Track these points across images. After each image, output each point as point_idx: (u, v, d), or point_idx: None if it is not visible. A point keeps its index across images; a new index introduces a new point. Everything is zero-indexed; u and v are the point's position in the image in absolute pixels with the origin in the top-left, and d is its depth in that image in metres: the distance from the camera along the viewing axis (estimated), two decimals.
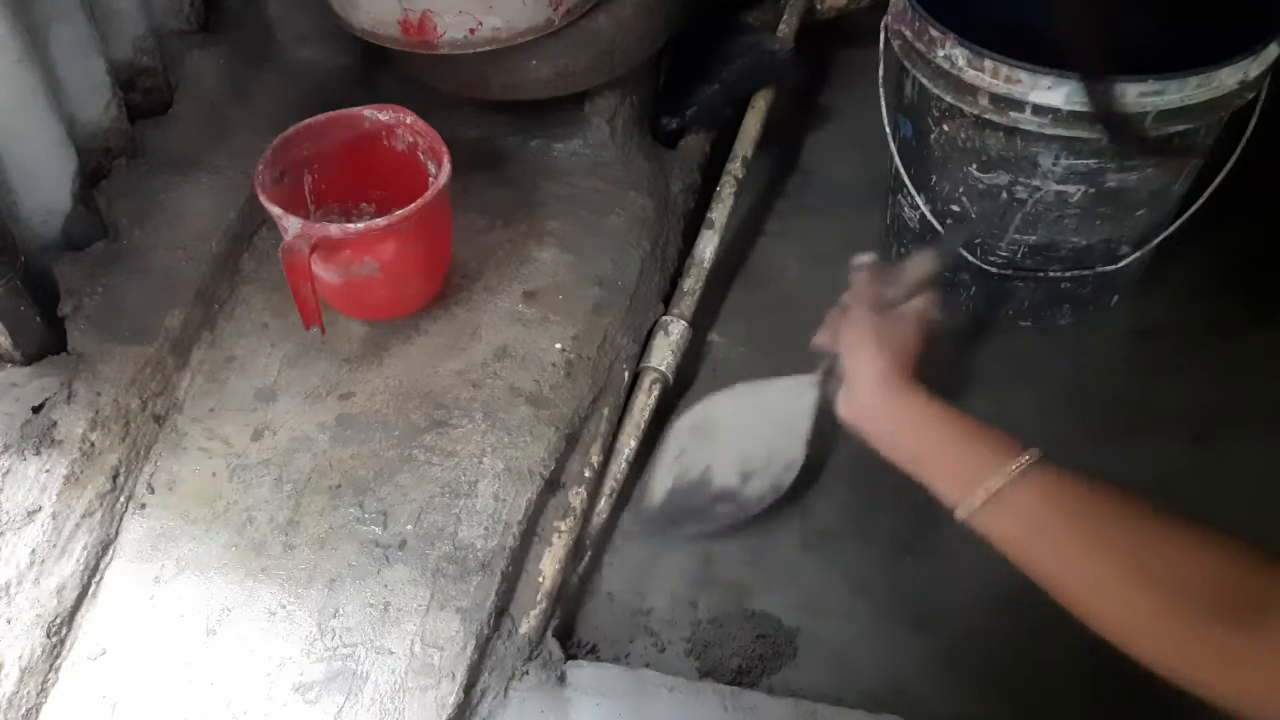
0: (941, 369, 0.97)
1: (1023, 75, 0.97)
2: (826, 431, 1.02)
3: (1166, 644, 0.65)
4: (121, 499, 0.97)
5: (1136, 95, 0.95)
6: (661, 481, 1.05)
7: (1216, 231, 1.15)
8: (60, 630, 0.89)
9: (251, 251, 1.18)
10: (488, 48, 1.14)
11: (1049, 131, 1.00)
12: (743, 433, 1.05)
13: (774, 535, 1.05)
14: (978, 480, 0.75)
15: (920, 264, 0.99)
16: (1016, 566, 0.73)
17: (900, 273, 0.99)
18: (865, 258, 0.99)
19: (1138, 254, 1.14)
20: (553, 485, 1.01)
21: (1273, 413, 1.12)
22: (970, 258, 1.16)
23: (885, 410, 0.86)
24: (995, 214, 1.12)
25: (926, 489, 0.80)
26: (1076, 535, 0.71)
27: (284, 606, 0.91)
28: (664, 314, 1.17)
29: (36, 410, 0.97)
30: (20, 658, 0.86)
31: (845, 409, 0.89)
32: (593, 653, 0.97)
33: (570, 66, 1.21)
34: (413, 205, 0.99)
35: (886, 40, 1.14)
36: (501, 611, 0.93)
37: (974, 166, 1.09)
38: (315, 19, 1.29)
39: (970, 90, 1.02)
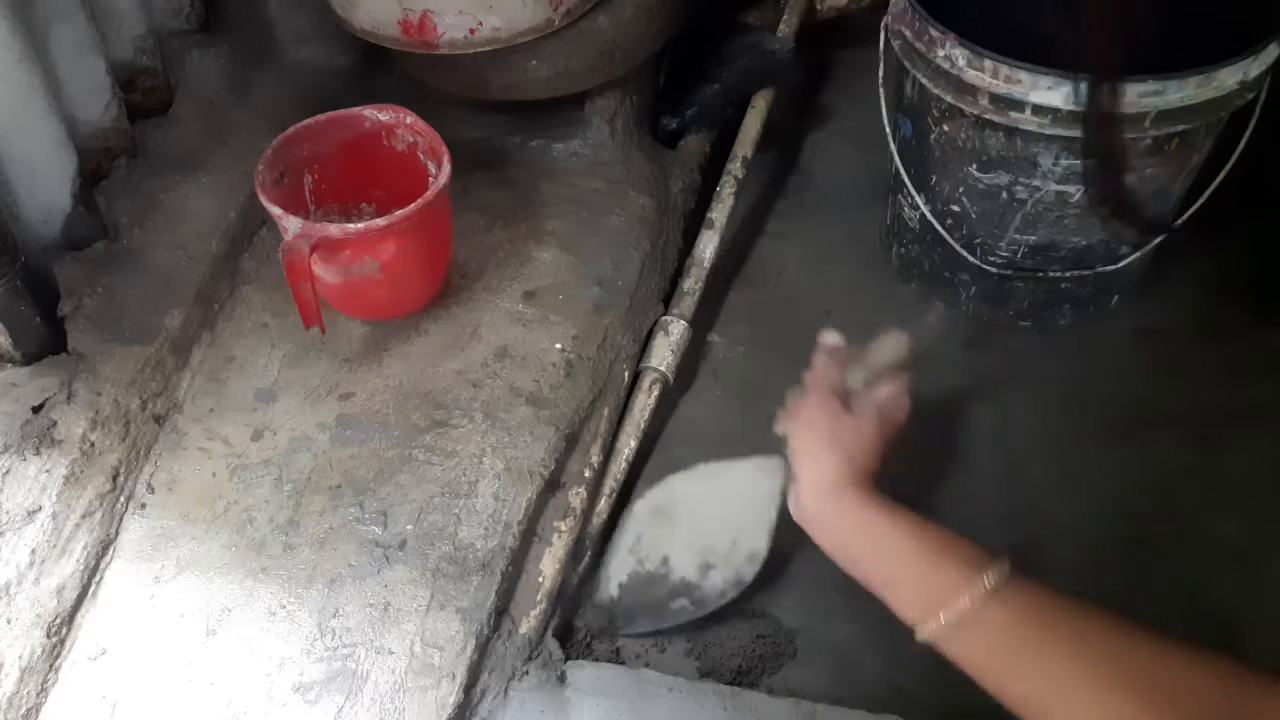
0: (913, 454, 0.93)
1: (1023, 75, 0.97)
2: (790, 534, 0.96)
3: None
4: (121, 499, 0.97)
5: (1136, 95, 0.95)
6: (617, 571, 0.99)
7: (1216, 231, 1.15)
8: (60, 630, 0.89)
9: (251, 251, 1.18)
10: (488, 48, 1.14)
11: (1049, 131, 1.00)
12: (704, 518, 0.99)
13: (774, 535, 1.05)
14: (940, 602, 0.71)
15: (890, 345, 0.94)
16: (984, 688, 0.69)
17: (867, 354, 0.94)
18: (831, 337, 0.95)
19: (1138, 254, 1.14)
20: (553, 485, 1.01)
21: (1273, 413, 1.12)
22: (970, 258, 1.16)
23: (834, 520, 0.82)
24: (995, 214, 1.12)
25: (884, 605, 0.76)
26: (1055, 653, 0.67)
27: (284, 606, 0.91)
28: (664, 314, 1.17)
29: (36, 410, 0.97)
30: (20, 658, 0.86)
31: (794, 510, 0.86)
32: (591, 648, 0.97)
33: (570, 67, 1.21)
34: (413, 205, 0.99)
35: (886, 40, 1.14)
36: (501, 611, 0.93)
37: (974, 166, 1.09)
38: (315, 19, 1.29)
39: (970, 90, 1.02)
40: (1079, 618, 0.68)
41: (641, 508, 1.02)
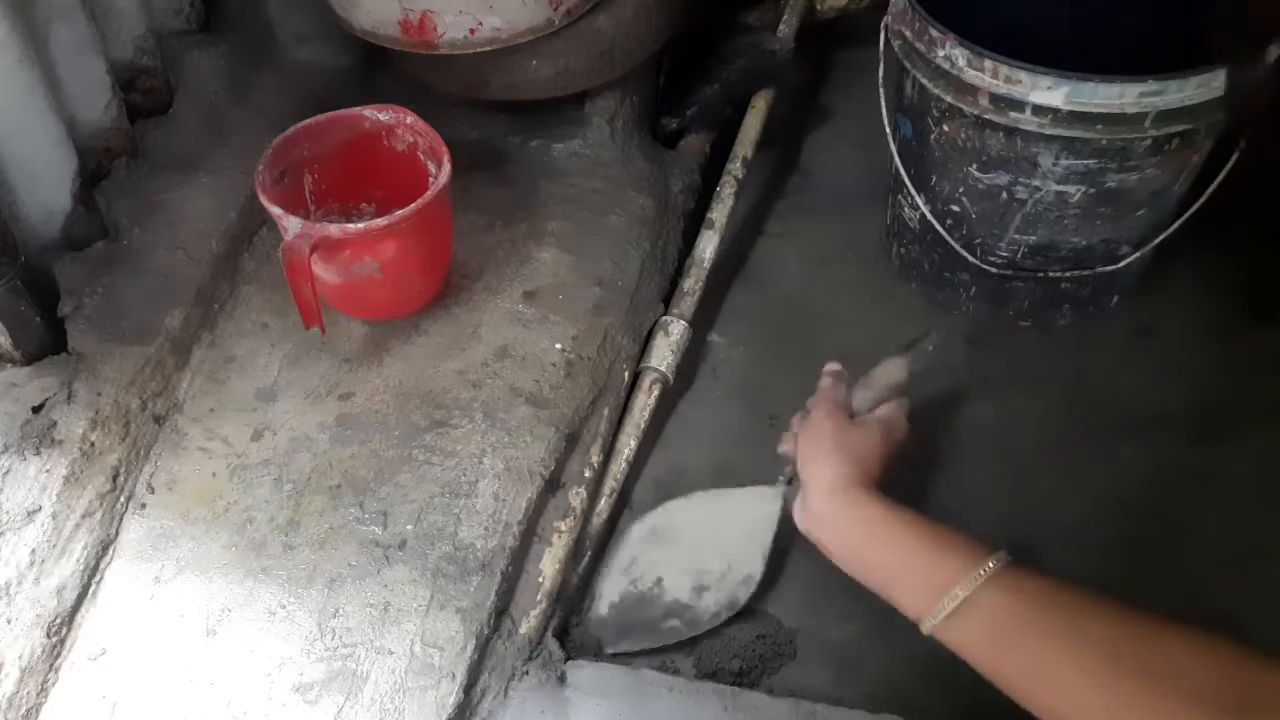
0: (913, 467, 0.97)
1: (1023, 75, 0.97)
2: (787, 544, 0.99)
3: None
4: (121, 499, 0.97)
5: (1136, 95, 0.95)
6: (610, 591, 0.99)
7: (1216, 231, 1.15)
8: (60, 630, 0.89)
9: (252, 251, 1.18)
10: (488, 48, 1.14)
11: (1049, 131, 1.00)
12: (700, 543, 1.00)
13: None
14: (943, 589, 0.73)
15: (890, 370, 0.98)
16: (987, 677, 0.71)
17: (869, 379, 0.98)
18: (834, 366, 0.99)
19: (1138, 254, 1.14)
20: (553, 485, 1.01)
21: (1273, 413, 1.12)
22: (970, 258, 1.16)
23: (840, 519, 0.84)
24: (995, 214, 1.12)
25: (888, 602, 0.78)
26: (1057, 633, 0.68)
27: (284, 606, 0.91)
28: (664, 314, 1.17)
29: (36, 410, 0.97)
30: (20, 658, 0.86)
31: (801, 518, 0.88)
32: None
33: (570, 66, 1.21)
34: (413, 205, 0.99)
35: (886, 40, 1.14)
36: (501, 611, 0.93)
37: (974, 166, 1.09)
38: (315, 19, 1.29)
39: (970, 90, 1.02)
40: (1078, 602, 0.69)
41: (637, 531, 1.03)
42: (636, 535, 1.03)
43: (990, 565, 0.72)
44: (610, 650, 0.96)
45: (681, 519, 1.03)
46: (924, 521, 0.80)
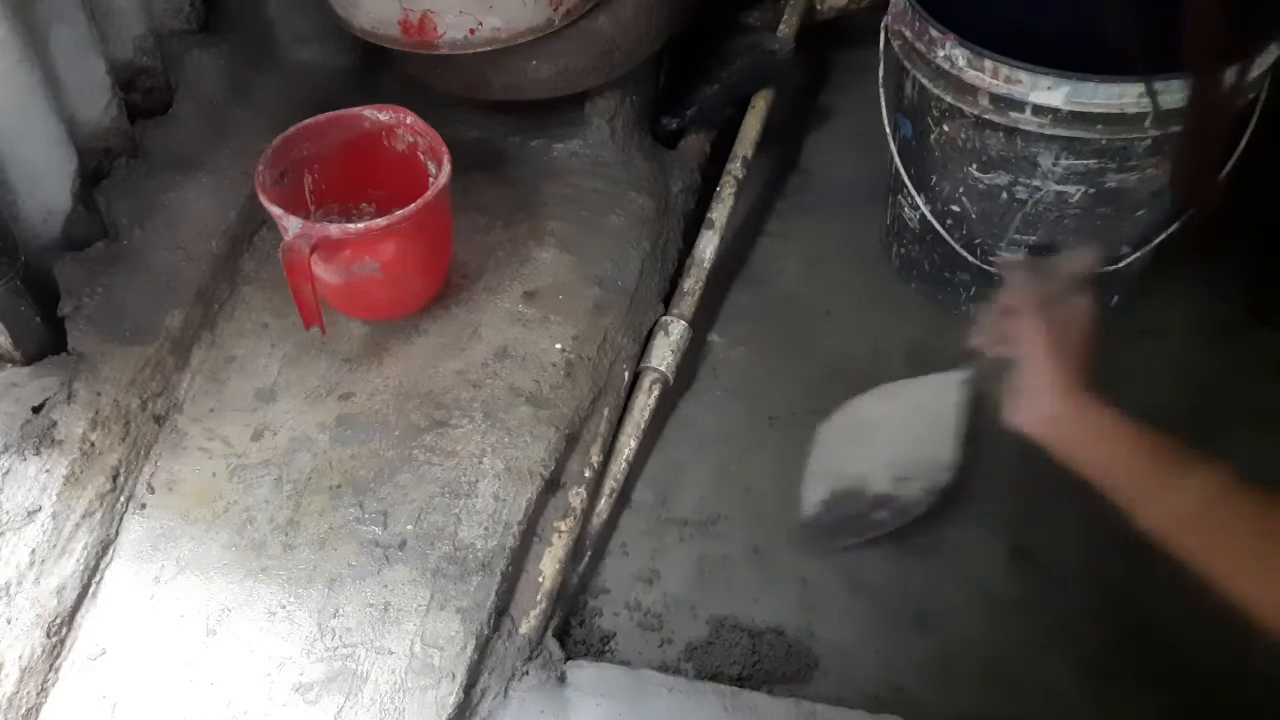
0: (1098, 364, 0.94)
1: (1023, 75, 0.97)
2: (973, 432, 0.99)
3: None
4: (121, 499, 0.97)
5: (1136, 95, 0.95)
6: (815, 492, 1.02)
7: (1216, 231, 1.15)
8: (60, 630, 0.89)
9: (252, 251, 1.18)
10: (488, 48, 1.14)
11: (1049, 132, 1.00)
12: (891, 435, 1.02)
13: (774, 535, 1.05)
14: (1166, 486, 0.76)
15: (1074, 260, 0.94)
16: (1194, 567, 0.74)
17: (1055, 269, 0.94)
18: (1012, 256, 0.98)
19: (1138, 254, 1.14)
20: (553, 485, 1.01)
21: (1273, 413, 1.12)
22: (970, 258, 1.16)
23: (1074, 421, 0.85)
24: (995, 214, 1.12)
25: (1107, 496, 0.79)
26: (1267, 538, 0.72)
27: (284, 606, 0.91)
28: (664, 314, 1.17)
29: (36, 410, 0.97)
30: (20, 658, 0.86)
31: (1025, 418, 0.87)
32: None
33: (570, 66, 1.21)
34: (413, 205, 0.99)
35: (886, 40, 1.14)
36: (501, 611, 0.93)
37: (974, 167, 1.09)
38: (315, 19, 1.29)
39: (970, 90, 1.02)
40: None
41: (827, 432, 1.05)
42: (828, 436, 1.05)
43: (1214, 469, 0.75)
44: (833, 546, 1.01)
45: (869, 414, 1.04)
46: (1147, 427, 0.83)
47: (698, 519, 1.07)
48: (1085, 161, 1.03)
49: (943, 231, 1.16)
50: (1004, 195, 1.09)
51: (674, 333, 1.15)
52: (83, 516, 0.93)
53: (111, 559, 0.94)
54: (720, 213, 1.24)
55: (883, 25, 1.15)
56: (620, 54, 1.23)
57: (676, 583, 1.02)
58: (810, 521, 1.02)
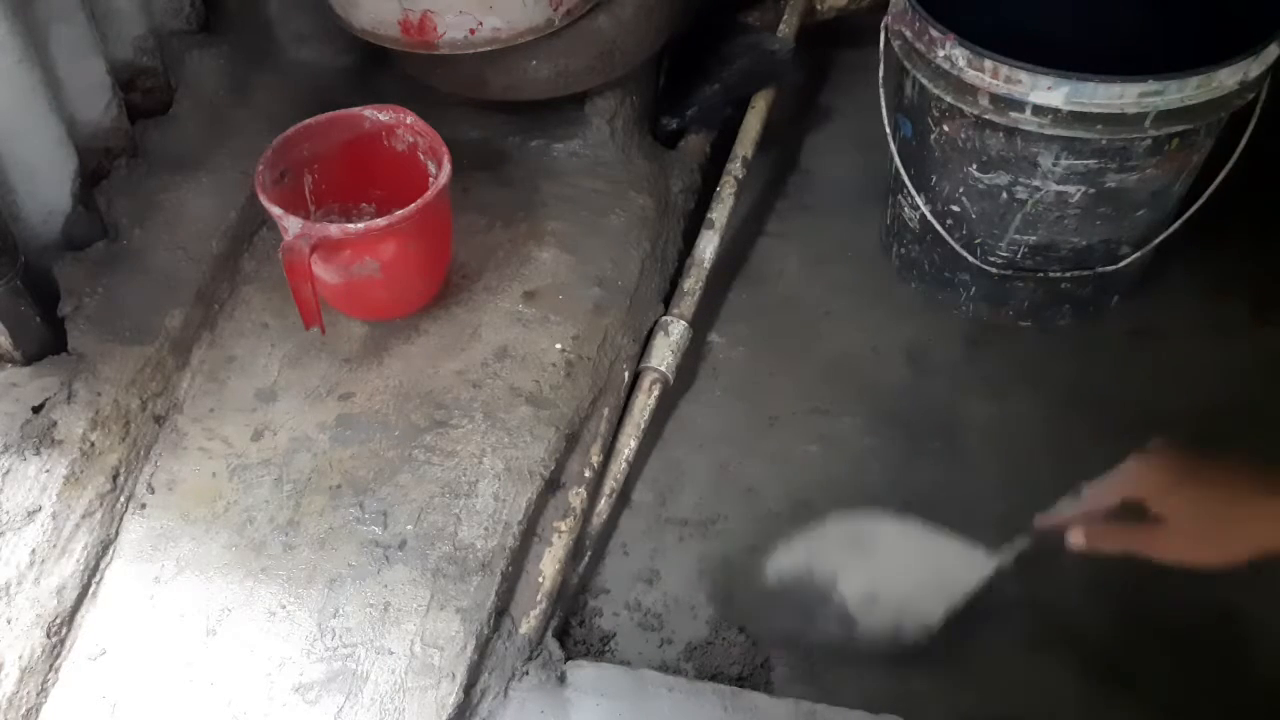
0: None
1: (1023, 75, 0.97)
2: (973, 613, 0.93)
3: None
4: (121, 499, 0.97)
5: (1136, 95, 0.95)
6: (784, 566, 0.98)
7: (1216, 231, 1.15)
8: (60, 630, 0.89)
9: (252, 251, 1.18)
10: (488, 48, 1.14)
11: (1049, 131, 1.00)
12: (895, 565, 0.96)
13: (774, 535, 1.05)
14: None
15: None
16: None
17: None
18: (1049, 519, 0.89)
19: (1138, 254, 1.14)
20: (553, 485, 1.01)
21: (1273, 413, 1.12)
22: (970, 258, 1.16)
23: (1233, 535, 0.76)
24: (995, 214, 1.12)
25: None
26: None
27: (284, 606, 0.91)
28: (664, 314, 1.17)
29: (36, 410, 0.97)
30: (20, 658, 0.86)
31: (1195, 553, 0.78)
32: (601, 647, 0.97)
33: (570, 67, 1.21)
34: (413, 205, 0.99)
35: (886, 40, 1.14)
36: (501, 611, 0.93)
37: (974, 167, 1.09)
38: (315, 19, 1.29)
39: (970, 90, 1.02)
40: None
41: (838, 525, 0.99)
42: (835, 528, 0.99)
43: None
44: (764, 618, 0.96)
45: (887, 536, 0.98)
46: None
47: (698, 519, 1.07)
48: (1085, 161, 1.03)
49: (943, 231, 1.16)
50: (1004, 195, 1.10)
51: (674, 333, 1.15)
52: (83, 516, 0.93)
53: (111, 559, 0.94)
54: (720, 213, 1.24)
55: (883, 25, 1.15)
56: (620, 54, 1.23)
57: (676, 583, 1.02)
58: (760, 589, 0.97)
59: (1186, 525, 0.75)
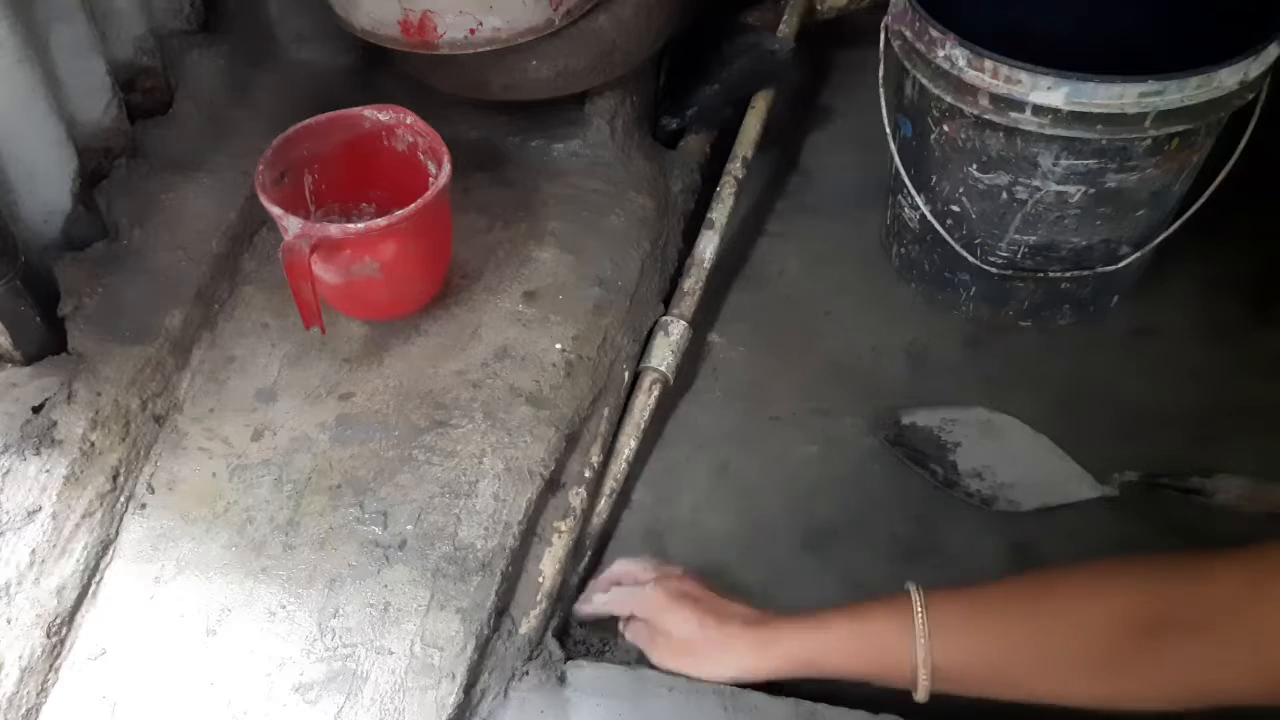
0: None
1: (1023, 75, 0.97)
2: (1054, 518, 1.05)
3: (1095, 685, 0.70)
4: (121, 499, 0.97)
5: (1137, 95, 0.95)
6: (923, 416, 1.11)
7: (1216, 231, 1.15)
8: (60, 630, 0.89)
9: (252, 251, 1.18)
10: (488, 48, 1.14)
11: (1049, 132, 1.00)
12: (1010, 457, 1.08)
13: (774, 535, 1.05)
14: (906, 655, 0.76)
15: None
16: (996, 701, 0.74)
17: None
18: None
19: (1138, 254, 1.14)
20: (553, 485, 1.01)
21: (1273, 413, 1.12)
22: (970, 258, 1.16)
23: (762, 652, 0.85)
24: (995, 214, 1.13)
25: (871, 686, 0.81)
26: (995, 638, 0.75)
27: (284, 606, 0.91)
28: (664, 314, 1.17)
29: (36, 410, 0.97)
30: (20, 658, 0.86)
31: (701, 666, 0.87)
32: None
33: (570, 67, 1.21)
34: (413, 205, 0.99)
35: (886, 40, 1.14)
36: (501, 611, 0.93)
37: (974, 167, 1.09)
38: (315, 19, 1.29)
39: (970, 90, 1.02)
40: (1001, 593, 0.76)
41: (977, 411, 1.12)
42: (974, 414, 1.12)
43: (915, 605, 0.77)
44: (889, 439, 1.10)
45: (1013, 433, 1.10)
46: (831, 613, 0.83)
47: (697, 519, 1.07)
48: (1085, 161, 1.03)
49: (943, 231, 1.16)
50: (1004, 195, 1.10)
51: (674, 333, 1.15)
52: (83, 516, 0.93)
53: (111, 559, 0.94)
54: (720, 213, 1.24)
55: (883, 25, 1.15)
56: (620, 54, 1.23)
57: None
58: (901, 421, 1.11)
59: (674, 641, 0.87)
